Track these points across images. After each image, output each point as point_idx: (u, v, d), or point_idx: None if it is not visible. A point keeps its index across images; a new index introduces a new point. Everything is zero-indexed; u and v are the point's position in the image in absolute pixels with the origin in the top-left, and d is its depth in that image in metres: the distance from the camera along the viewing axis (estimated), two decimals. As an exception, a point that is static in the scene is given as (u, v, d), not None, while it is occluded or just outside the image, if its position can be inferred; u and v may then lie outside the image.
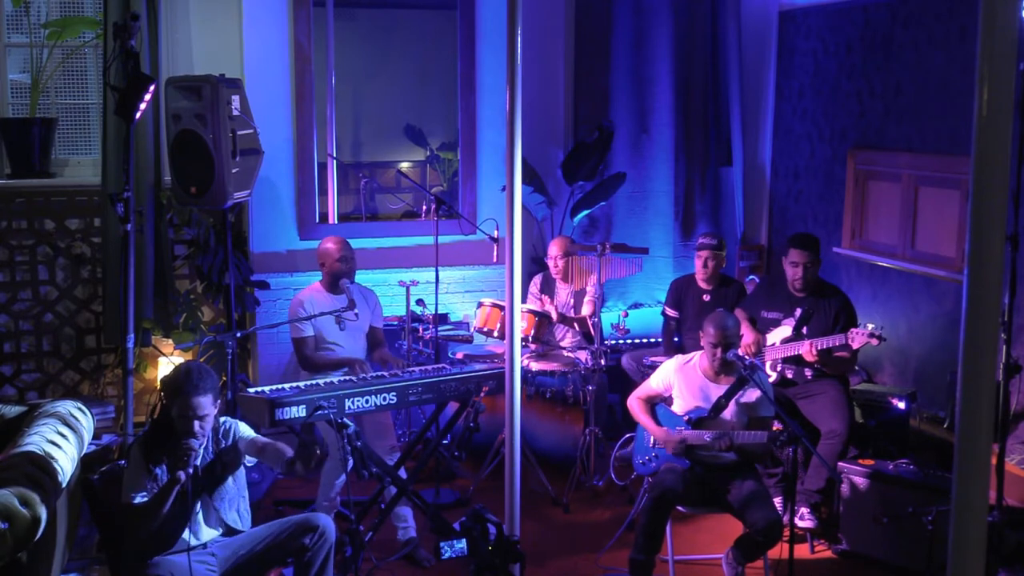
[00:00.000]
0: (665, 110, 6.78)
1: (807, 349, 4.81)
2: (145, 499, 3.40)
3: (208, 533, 3.60)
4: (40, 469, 3.32)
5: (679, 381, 4.47)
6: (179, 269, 5.99)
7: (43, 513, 3.13)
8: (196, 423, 3.44)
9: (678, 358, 4.60)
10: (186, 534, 3.50)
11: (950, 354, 5.36)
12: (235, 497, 3.66)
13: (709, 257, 5.75)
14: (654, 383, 4.57)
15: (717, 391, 4.35)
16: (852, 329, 4.75)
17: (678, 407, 4.46)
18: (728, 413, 4.32)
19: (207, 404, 3.47)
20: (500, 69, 5.94)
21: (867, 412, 5.23)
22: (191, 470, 3.39)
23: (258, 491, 5.03)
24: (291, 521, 3.68)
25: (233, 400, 4.72)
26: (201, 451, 3.53)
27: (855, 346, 4.73)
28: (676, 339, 6.07)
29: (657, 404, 4.55)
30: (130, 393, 4.61)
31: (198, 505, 3.54)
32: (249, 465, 3.74)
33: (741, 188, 7.05)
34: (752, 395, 4.33)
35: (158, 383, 5.79)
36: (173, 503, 3.37)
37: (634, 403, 4.58)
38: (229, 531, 3.66)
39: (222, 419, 3.70)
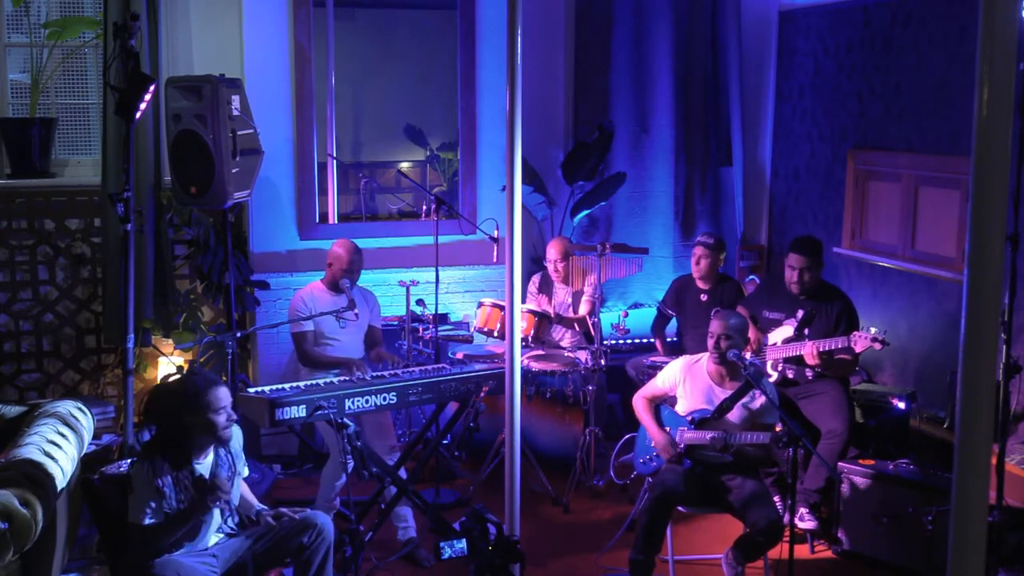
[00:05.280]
0: (665, 110, 6.77)
1: (809, 351, 4.81)
2: (154, 521, 3.36)
3: (217, 536, 3.61)
4: (40, 470, 3.32)
5: (685, 380, 4.47)
6: (179, 269, 5.99)
7: (43, 513, 3.14)
8: (224, 415, 3.46)
9: (686, 358, 4.60)
10: (206, 540, 3.54)
11: (950, 354, 5.36)
12: (236, 498, 3.67)
13: (702, 255, 5.74)
14: (660, 382, 4.57)
15: (722, 394, 4.34)
16: (855, 332, 4.74)
17: (682, 407, 4.45)
18: (732, 415, 4.31)
19: (228, 394, 3.51)
20: (500, 69, 5.94)
21: (867, 412, 5.23)
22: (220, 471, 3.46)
23: (258, 491, 5.02)
24: (290, 521, 3.68)
25: (233, 400, 4.72)
26: (223, 454, 3.57)
27: (858, 350, 4.72)
28: (675, 339, 6.07)
29: (661, 404, 4.55)
30: (130, 393, 4.61)
31: (216, 511, 3.55)
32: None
33: (741, 188, 7.05)
34: (759, 402, 4.32)
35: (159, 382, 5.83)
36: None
37: (639, 402, 4.58)
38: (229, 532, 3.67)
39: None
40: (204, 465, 3.52)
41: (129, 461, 3.55)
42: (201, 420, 3.42)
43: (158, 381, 5.88)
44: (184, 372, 5.38)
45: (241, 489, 3.76)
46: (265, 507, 3.81)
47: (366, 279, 5.78)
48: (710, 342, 4.36)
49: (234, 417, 3.53)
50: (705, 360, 4.47)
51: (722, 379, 4.40)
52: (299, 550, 3.62)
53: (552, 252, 5.89)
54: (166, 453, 3.44)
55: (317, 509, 4.64)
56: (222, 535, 3.62)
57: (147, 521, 3.34)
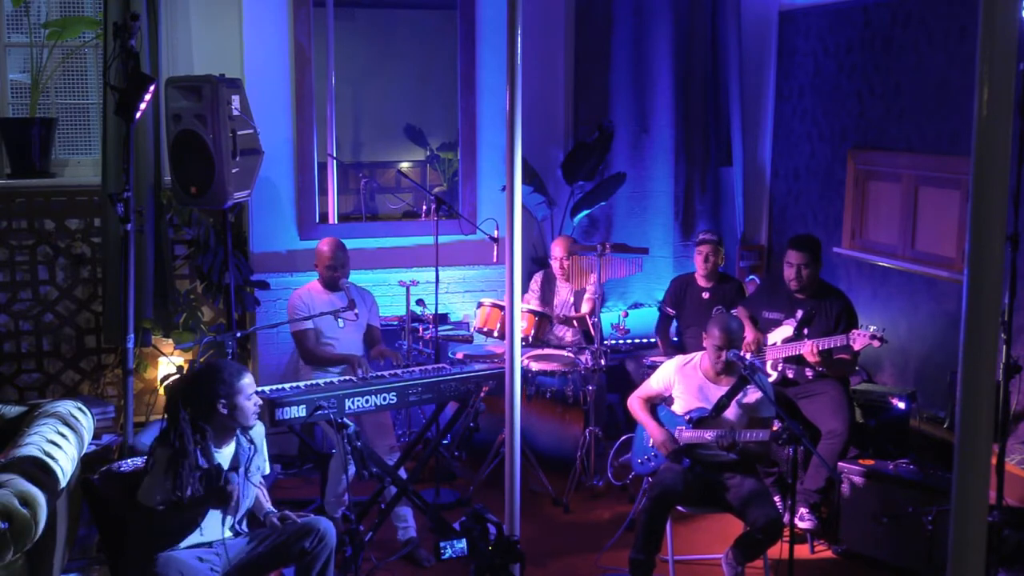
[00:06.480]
0: (665, 110, 6.77)
1: (808, 349, 4.82)
2: (164, 506, 3.36)
3: (226, 533, 3.61)
4: (40, 469, 3.32)
5: (679, 381, 4.47)
6: (179, 269, 5.99)
7: (43, 513, 3.14)
8: (254, 402, 3.53)
9: (679, 358, 4.60)
10: (210, 534, 3.54)
11: (950, 354, 5.36)
12: (251, 497, 3.67)
13: (710, 252, 5.78)
14: (654, 383, 4.57)
15: (717, 392, 4.35)
16: (854, 330, 4.75)
17: (678, 407, 4.46)
18: (730, 413, 4.32)
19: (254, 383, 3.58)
20: (500, 69, 5.94)
21: (867, 412, 5.23)
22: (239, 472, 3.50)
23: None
24: (293, 524, 3.68)
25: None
26: (245, 447, 3.60)
27: (856, 347, 4.73)
28: (676, 339, 6.07)
29: (658, 405, 4.55)
30: (130, 393, 4.61)
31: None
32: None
33: (741, 188, 7.05)
34: (753, 396, 4.33)
35: (159, 385, 5.84)
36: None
37: (635, 403, 4.58)
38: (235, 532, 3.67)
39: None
40: (223, 455, 3.53)
41: (155, 437, 3.53)
42: (231, 403, 3.47)
43: (159, 381, 5.89)
44: (212, 358, 5.40)
45: (258, 488, 3.75)
46: (273, 509, 3.81)
47: (367, 279, 5.79)
48: (712, 351, 4.35)
49: (260, 403, 3.60)
50: (699, 359, 4.48)
51: (717, 376, 4.40)
52: (300, 555, 3.62)
53: (557, 250, 5.90)
54: (189, 438, 3.43)
55: (327, 506, 4.66)
56: (230, 533, 3.62)
57: (159, 505, 3.35)
